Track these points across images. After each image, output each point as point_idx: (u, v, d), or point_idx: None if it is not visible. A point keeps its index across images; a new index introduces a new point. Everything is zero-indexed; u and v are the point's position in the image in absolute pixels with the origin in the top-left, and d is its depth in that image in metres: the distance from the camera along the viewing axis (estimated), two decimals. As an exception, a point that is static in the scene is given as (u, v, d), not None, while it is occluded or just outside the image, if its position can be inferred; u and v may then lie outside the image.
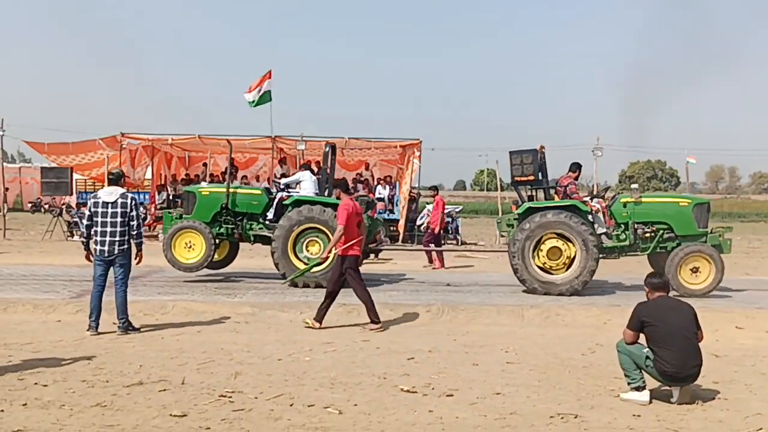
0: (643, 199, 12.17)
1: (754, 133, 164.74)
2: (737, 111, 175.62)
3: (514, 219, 12.15)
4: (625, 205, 12.04)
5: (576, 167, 12.42)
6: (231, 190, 12.90)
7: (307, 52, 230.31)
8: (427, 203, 22.28)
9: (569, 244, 11.51)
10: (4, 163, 24.63)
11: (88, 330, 8.37)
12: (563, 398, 5.97)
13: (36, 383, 6.13)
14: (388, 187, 23.43)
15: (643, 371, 5.93)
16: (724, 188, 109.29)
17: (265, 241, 12.79)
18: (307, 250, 12.13)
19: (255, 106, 23.03)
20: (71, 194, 24.79)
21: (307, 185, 13.06)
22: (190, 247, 12.50)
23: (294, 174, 15.47)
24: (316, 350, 7.67)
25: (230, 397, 5.81)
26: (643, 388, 5.91)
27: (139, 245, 8.49)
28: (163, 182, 25.21)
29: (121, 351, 7.51)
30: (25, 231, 25.47)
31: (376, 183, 24.13)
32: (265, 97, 23.39)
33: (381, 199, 22.44)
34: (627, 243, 11.95)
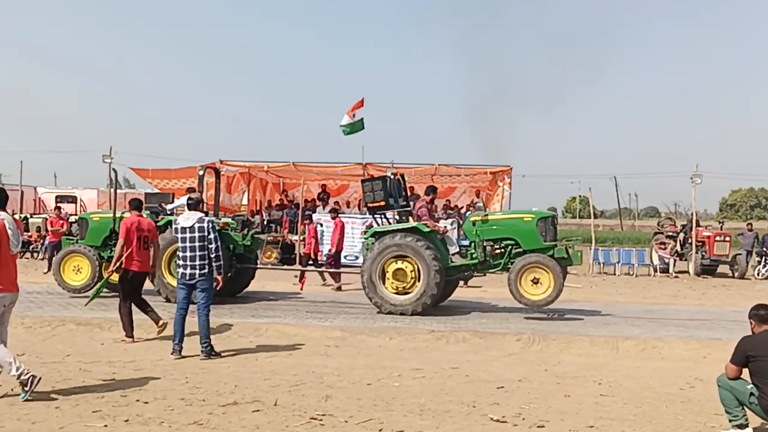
0: (490, 217, 12.53)
1: None
2: None
3: (372, 243, 12.38)
4: (474, 223, 12.29)
5: (431, 191, 13.18)
6: (117, 215, 13.39)
7: (406, 78, 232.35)
8: None
9: (413, 264, 11.86)
10: (110, 189, 25.99)
11: (171, 353, 8.45)
12: (660, 434, 5.77)
13: (137, 400, 6.40)
14: (476, 213, 23.29)
15: (745, 408, 5.66)
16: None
17: None
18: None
19: (348, 134, 23.45)
20: (171, 218, 25.82)
21: None
22: (78, 270, 13.25)
23: (179, 199, 16.03)
24: (405, 376, 7.70)
25: (321, 420, 5.90)
26: (746, 425, 5.64)
27: (218, 268, 8.59)
28: (258, 207, 25.98)
29: (217, 371, 7.76)
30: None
31: (465, 209, 24.04)
32: (357, 126, 23.78)
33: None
34: (478, 260, 12.22)
